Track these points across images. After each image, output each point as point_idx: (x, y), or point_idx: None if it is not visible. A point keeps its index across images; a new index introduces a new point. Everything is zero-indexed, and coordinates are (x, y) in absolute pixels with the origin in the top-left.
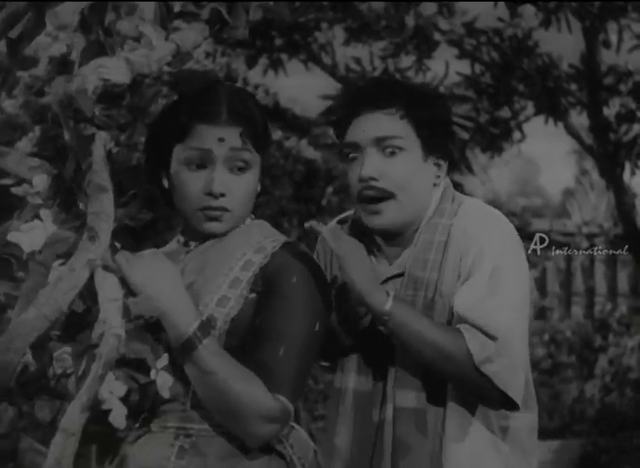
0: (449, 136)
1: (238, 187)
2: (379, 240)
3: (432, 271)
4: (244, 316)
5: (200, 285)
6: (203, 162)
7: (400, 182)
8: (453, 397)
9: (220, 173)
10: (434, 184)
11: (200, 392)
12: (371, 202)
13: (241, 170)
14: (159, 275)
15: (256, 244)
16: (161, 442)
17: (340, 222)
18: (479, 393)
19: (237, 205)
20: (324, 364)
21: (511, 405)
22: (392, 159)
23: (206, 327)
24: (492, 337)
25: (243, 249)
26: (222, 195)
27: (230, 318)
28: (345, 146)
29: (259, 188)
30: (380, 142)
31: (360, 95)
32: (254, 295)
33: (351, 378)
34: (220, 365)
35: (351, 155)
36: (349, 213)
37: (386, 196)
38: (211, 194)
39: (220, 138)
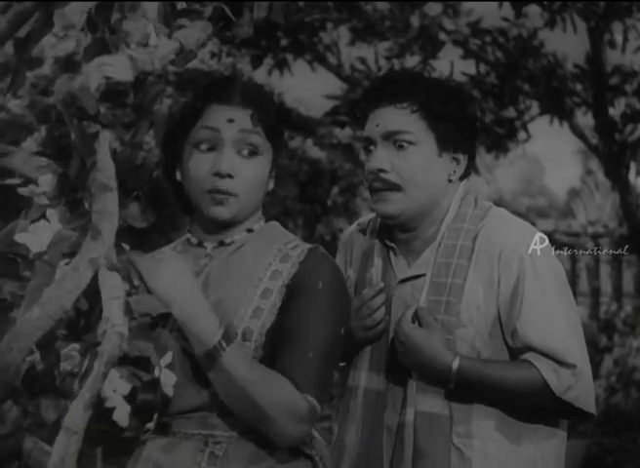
0: (467, 130)
1: (246, 171)
2: (398, 238)
3: (456, 277)
4: (279, 325)
5: (231, 297)
6: (212, 143)
7: (408, 176)
8: (479, 404)
9: (229, 154)
10: (449, 180)
11: (227, 398)
12: (380, 192)
13: (250, 154)
14: (179, 283)
15: (278, 252)
16: (188, 449)
17: (360, 224)
18: (555, 414)
19: (244, 189)
20: (341, 364)
21: (587, 416)
22: (402, 152)
23: (229, 334)
24: (570, 365)
25: (267, 258)
26: (230, 176)
27: (265, 330)
28: (363, 140)
29: (271, 186)
30: (391, 136)
31: (375, 89)
32: (282, 304)
33: (362, 376)
34: (246, 370)
35: (367, 148)
36: (372, 215)
37: (393, 188)
38: (218, 174)
39: (230, 119)
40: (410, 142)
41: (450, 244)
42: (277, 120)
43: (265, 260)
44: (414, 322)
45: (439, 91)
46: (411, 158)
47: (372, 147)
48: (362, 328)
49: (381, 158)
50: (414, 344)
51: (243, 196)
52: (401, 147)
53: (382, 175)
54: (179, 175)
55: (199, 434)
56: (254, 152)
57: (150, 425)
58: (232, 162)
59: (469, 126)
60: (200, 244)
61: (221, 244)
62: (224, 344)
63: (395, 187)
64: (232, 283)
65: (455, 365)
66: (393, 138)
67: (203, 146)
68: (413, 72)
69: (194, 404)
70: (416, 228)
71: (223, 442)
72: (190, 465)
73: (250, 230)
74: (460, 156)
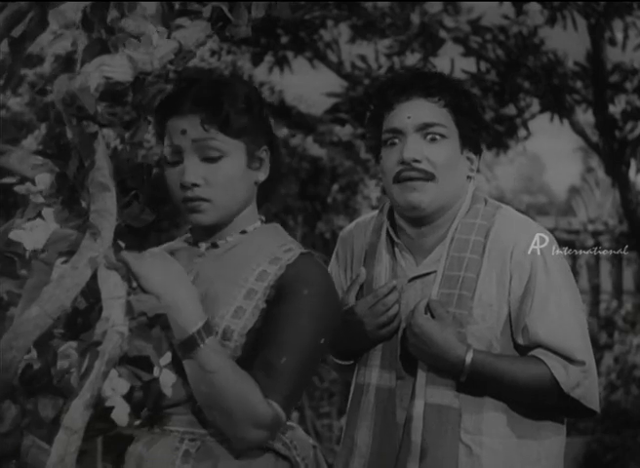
0: (480, 130)
1: (212, 176)
2: (408, 233)
3: (469, 271)
4: (259, 328)
5: (215, 295)
6: (176, 156)
7: (440, 166)
8: (489, 398)
9: (192, 163)
10: (468, 176)
11: (195, 388)
12: (412, 181)
13: (215, 158)
14: (167, 271)
15: (270, 254)
16: (165, 445)
17: (359, 223)
18: (559, 411)
19: (215, 193)
20: (346, 363)
21: (590, 414)
22: (434, 144)
23: (210, 326)
24: (579, 362)
25: (257, 259)
26: (196, 185)
27: (247, 331)
28: (386, 132)
29: (261, 177)
30: (425, 128)
31: (405, 82)
32: (266, 306)
33: (374, 374)
34: (219, 365)
35: (390, 141)
36: (373, 214)
37: (427, 177)
38: (183, 186)
39: (183, 131)
40: (442, 135)
41: (463, 238)
42: (237, 114)
43: (254, 261)
44: (426, 314)
45: (461, 89)
46: (443, 150)
47: (396, 140)
48: (376, 325)
49: (415, 149)
50: (427, 336)
51: (217, 200)
52: (434, 140)
53: (416, 165)
54: None
55: (176, 431)
56: (218, 156)
57: (137, 422)
58: (195, 171)
59: (481, 126)
60: (196, 244)
61: (214, 245)
62: (204, 335)
63: (430, 177)
64: (218, 282)
65: (468, 358)
66: (427, 130)
67: (169, 160)
68: (433, 70)
69: (175, 399)
70: (430, 223)
71: (198, 439)
72: (165, 463)
73: (243, 232)
74: (473, 156)
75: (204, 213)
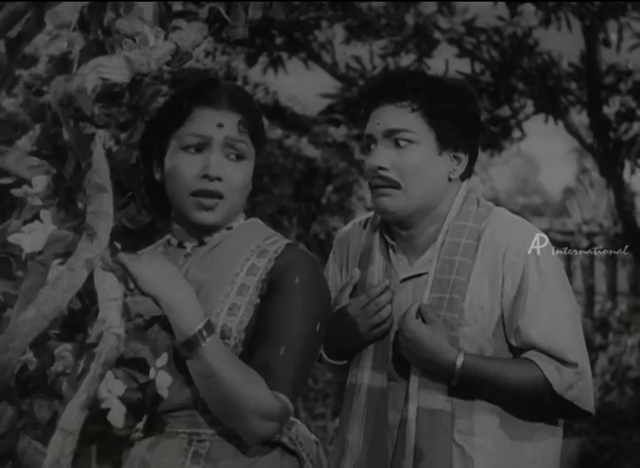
0: (469, 129)
1: (233, 173)
2: (400, 234)
3: (459, 274)
4: (256, 323)
5: (207, 293)
6: (201, 146)
7: (407, 173)
8: (481, 401)
9: (217, 157)
10: (449, 178)
11: (202, 388)
12: (380, 187)
13: (238, 158)
14: (165, 272)
15: (256, 248)
16: (172, 447)
17: (356, 224)
18: (554, 412)
19: (231, 192)
20: (339, 363)
21: (585, 415)
22: (402, 150)
23: (211, 325)
24: (572, 364)
25: (244, 253)
26: (218, 179)
27: (244, 326)
28: (364, 138)
29: (250, 188)
30: (392, 134)
31: (376, 88)
32: (260, 301)
33: (366, 375)
34: (223, 362)
35: (368, 146)
36: (369, 215)
37: (393, 185)
38: (207, 177)
39: (220, 124)
40: (410, 141)
41: (453, 241)
42: (261, 123)
43: (243, 256)
44: (417, 318)
45: (440, 89)
46: (410, 157)
47: (372, 145)
48: (369, 326)
49: (381, 156)
50: (418, 340)
51: (229, 199)
52: (402, 146)
53: (382, 172)
54: (158, 176)
55: (184, 432)
56: (240, 156)
57: (139, 425)
58: (221, 165)
59: (470, 124)
60: (180, 244)
61: (202, 243)
62: (205, 334)
63: (395, 185)
64: (208, 280)
65: (459, 361)
66: (394, 137)
67: (191, 149)
68: (415, 70)
69: (178, 402)
70: (415, 226)
71: (207, 440)
72: (174, 465)
73: (229, 228)
74: (461, 155)
75: (214, 210)
